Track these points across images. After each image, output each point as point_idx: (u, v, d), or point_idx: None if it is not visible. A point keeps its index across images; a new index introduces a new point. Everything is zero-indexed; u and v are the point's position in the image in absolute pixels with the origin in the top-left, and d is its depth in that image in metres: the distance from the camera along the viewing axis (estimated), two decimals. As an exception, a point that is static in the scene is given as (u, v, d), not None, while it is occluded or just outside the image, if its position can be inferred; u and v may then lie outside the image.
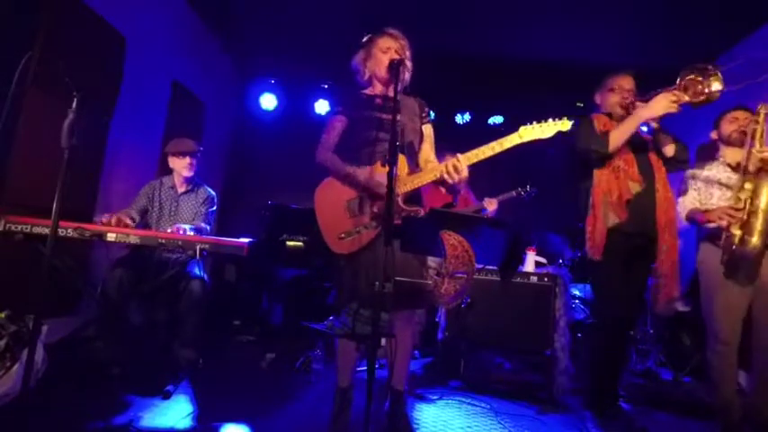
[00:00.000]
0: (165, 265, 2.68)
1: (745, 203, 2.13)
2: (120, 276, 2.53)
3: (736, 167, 2.31)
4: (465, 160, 1.85)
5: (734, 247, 2.13)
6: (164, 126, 3.97)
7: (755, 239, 2.09)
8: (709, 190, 2.39)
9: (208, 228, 2.93)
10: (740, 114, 2.38)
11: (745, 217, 2.13)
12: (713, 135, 2.50)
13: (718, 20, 3.69)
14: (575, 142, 2.35)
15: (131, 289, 2.56)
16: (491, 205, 3.75)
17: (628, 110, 2.36)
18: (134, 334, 2.62)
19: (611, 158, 2.30)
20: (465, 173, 1.85)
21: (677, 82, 2.23)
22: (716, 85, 2.17)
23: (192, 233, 2.55)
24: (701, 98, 2.19)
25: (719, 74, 2.16)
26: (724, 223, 2.16)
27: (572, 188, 2.48)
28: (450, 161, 1.85)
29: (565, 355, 2.84)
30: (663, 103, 2.18)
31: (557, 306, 2.90)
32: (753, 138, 2.18)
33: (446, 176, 1.86)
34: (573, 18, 3.91)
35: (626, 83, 2.43)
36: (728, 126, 2.41)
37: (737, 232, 2.13)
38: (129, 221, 2.65)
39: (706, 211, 2.30)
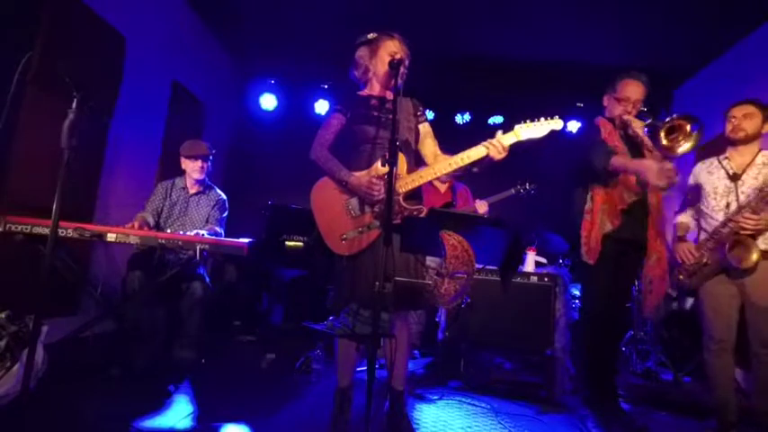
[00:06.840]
0: (165, 266, 2.67)
1: (705, 258, 2.33)
2: (140, 277, 2.58)
3: (733, 177, 2.31)
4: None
5: (680, 277, 2.40)
6: (164, 126, 3.97)
7: (695, 281, 2.36)
8: (704, 199, 2.40)
9: (222, 232, 2.92)
10: (737, 112, 2.29)
11: (705, 261, 2.32)
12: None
13: (718, 20, 3.70)
14: (584, 150, 2.33)
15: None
16: (482, 207, 3.70)
17: (626, 125, 2.32)
18: (134, 334, 2.62)
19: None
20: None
21: (670, 117, 2.03)
22: (686, 145, 2.00)
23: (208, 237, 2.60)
24: (669, 144, 2.03)
25: (699, 136, 1.99)
26: (680, 260, 2.40)
27: (569, 190, 2.47)
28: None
29: (565, 355, 2.84)
30: (654, 172, 2.04)
31: (557, 306, 2.90)
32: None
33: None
34: (573, 18, 3.91)
35: (634, 93, 2.32)
36: (727, 126, 2.34)
37: (687, 270, 2.38)
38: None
39: (680, 237, 2.47)
